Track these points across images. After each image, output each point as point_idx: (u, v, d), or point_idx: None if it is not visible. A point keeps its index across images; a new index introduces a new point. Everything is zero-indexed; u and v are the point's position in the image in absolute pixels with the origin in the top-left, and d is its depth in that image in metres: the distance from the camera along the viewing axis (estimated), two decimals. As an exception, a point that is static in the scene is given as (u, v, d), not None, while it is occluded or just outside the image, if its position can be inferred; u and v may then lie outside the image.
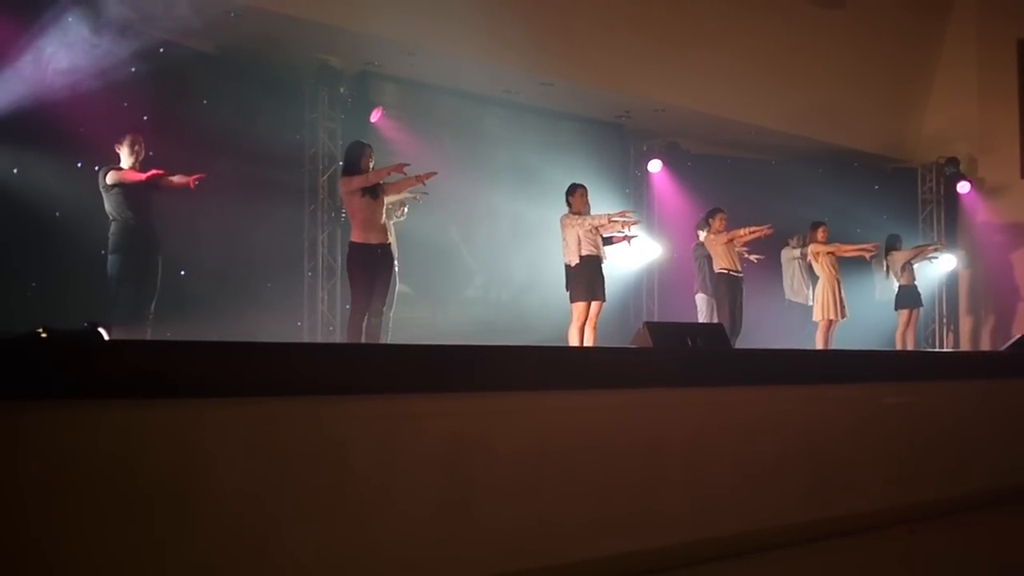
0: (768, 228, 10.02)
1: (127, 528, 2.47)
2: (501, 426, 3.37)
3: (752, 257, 10.40)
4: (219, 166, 8.26)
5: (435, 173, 7.55)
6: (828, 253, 10.69)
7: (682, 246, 11.92)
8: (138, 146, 7.19)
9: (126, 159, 7.18)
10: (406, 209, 8.24)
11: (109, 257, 7.07)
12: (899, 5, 13.55)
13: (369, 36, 9.47)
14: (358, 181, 7.25)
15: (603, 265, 8.53)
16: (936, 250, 12.74)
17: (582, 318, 8.38)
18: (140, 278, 7.11)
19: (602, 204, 8.75)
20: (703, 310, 10.42)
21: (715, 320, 9.82)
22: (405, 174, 7.37)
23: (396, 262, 7.71)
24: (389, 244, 7.51)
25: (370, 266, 7.31)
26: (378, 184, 7.36)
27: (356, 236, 7.33)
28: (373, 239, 7.30)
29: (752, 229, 10.00)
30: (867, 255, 11.18)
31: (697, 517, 4.00)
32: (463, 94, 10.95)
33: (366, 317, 7.29)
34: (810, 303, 11.09)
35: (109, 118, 7.66)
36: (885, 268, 12.10)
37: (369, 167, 7.39)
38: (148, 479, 2.51)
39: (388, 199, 7.54)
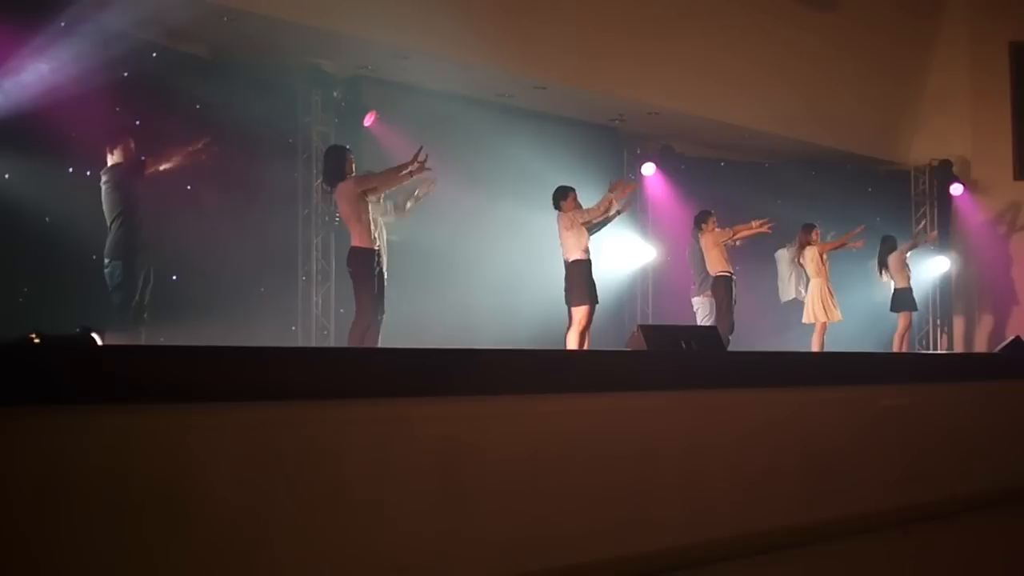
0: (768, 224, 10.18)
1: (119, 535, 2.46)
2: (495, 430, 3.37)
3: (736, 241, 10.47)
4: (212, 169, 8.25)
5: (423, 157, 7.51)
6: (819, 254, 10.79)
7: (676, 249, 11.92)
8: (130, 150, 7.18)
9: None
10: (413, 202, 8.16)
11: (104, 262, 7.06)
12: (891, 7, 13.57)
13: (362, 40, 9.46)
14: (380, 178, 7.23)
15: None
16: (926, 240, 12.83)
17: (583, 322, 8.39)
18: (134, 283, 7.10)
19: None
20: (702, 312, 10.39)
21: (715, 322, 9.84)
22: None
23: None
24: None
25: (374, 270, 7.29)
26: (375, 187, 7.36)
27: (362, 240, 7.24)
28: (374, 243, 7.29)
29: (757, 223, 10.15)
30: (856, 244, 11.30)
31: (692, 520, 3.99)
32: (456, 98, 10.95)
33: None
34: (802, 298, 11.11)
35: (101, 123, 7.64)
36: (878, 270, 12.14)
37: (352, 169, 7.37)
38: (140, 485, 2.49)
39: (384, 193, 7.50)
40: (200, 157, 7.42)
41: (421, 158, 7.27)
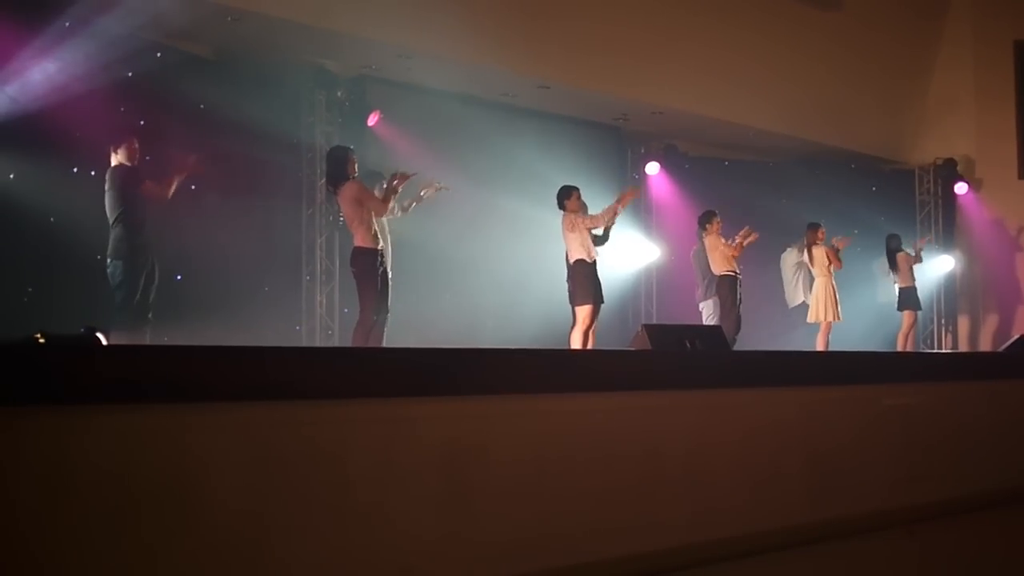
0: (749, 233, 10.09)
1: (119, 534, 2.45)
2: (499, 429, 3.36)
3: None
4: (216, 169, 8.25)
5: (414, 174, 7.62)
6: (826, 255, 10.80)
7: (680, 248, 11.90)
8: (134, 151, 7.18)
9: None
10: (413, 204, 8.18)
11: (108, 262, 7.06)
12: (896, 7, 13.56)
13: (366, 40, 9.46)
14: (376, 203, 7.31)
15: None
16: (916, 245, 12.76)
17: (588, 321, 8.37)
18: (135, 282, 7.10)
19: (599, 207, 8.74)
20: (707, 313, 10.34)
21: (719, 321, 9.81)
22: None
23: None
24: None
25: (378, 270, 7.31)
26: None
27: (366, 241, 7.26)
28: (378, 243, 7.31)
29: (740, 238, 10.06)
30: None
31: (696, 519, 3.99)
32: (460, 97, 10.94)
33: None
34: (810, 301, 11.08)
35: (105, 122, 7.64)
36: (886, 268, 12.15)
37: (355, 170, 7.42)
38: (140, 485, 2.49)
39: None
40: (199, 170, 7.43)
41: (395, 183, 7.42)
